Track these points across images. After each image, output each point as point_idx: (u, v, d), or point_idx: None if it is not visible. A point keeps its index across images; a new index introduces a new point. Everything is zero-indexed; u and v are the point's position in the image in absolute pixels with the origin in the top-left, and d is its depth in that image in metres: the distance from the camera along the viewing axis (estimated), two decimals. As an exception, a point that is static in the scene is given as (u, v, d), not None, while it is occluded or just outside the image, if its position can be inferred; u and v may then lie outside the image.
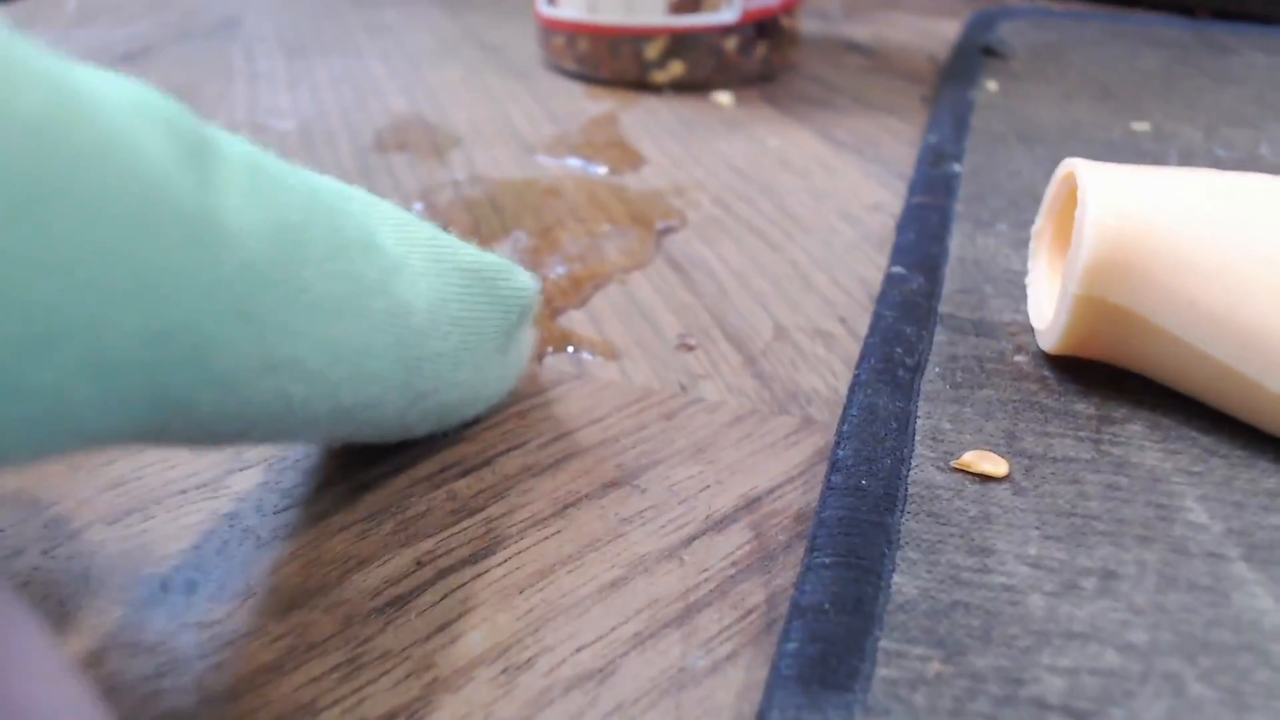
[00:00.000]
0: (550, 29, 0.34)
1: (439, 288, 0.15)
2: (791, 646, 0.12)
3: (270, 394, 0.11)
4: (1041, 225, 0.19)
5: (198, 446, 0.12)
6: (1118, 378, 0.17)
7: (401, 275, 0.14)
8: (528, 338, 0.18)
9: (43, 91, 0.08)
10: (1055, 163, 0.26)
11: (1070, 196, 0.18)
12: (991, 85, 0.31)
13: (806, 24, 0.41)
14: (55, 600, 0.13)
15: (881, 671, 0.12)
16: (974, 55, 0.34)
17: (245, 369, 0.11)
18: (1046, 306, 0.18)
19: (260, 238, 0.11)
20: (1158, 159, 0.26)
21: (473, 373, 0.16)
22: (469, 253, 0.16)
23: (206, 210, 0.10)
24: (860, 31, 0.40)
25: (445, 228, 0.17)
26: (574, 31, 0.33)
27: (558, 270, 0.22)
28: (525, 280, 0.17)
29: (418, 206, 0.25)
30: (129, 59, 0.35)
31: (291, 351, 0.11)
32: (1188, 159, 0.26)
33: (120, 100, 0.10)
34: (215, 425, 0.11)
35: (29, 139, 0.08)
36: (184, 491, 0.15)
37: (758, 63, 0.34)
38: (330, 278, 0.12)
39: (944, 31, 0.40)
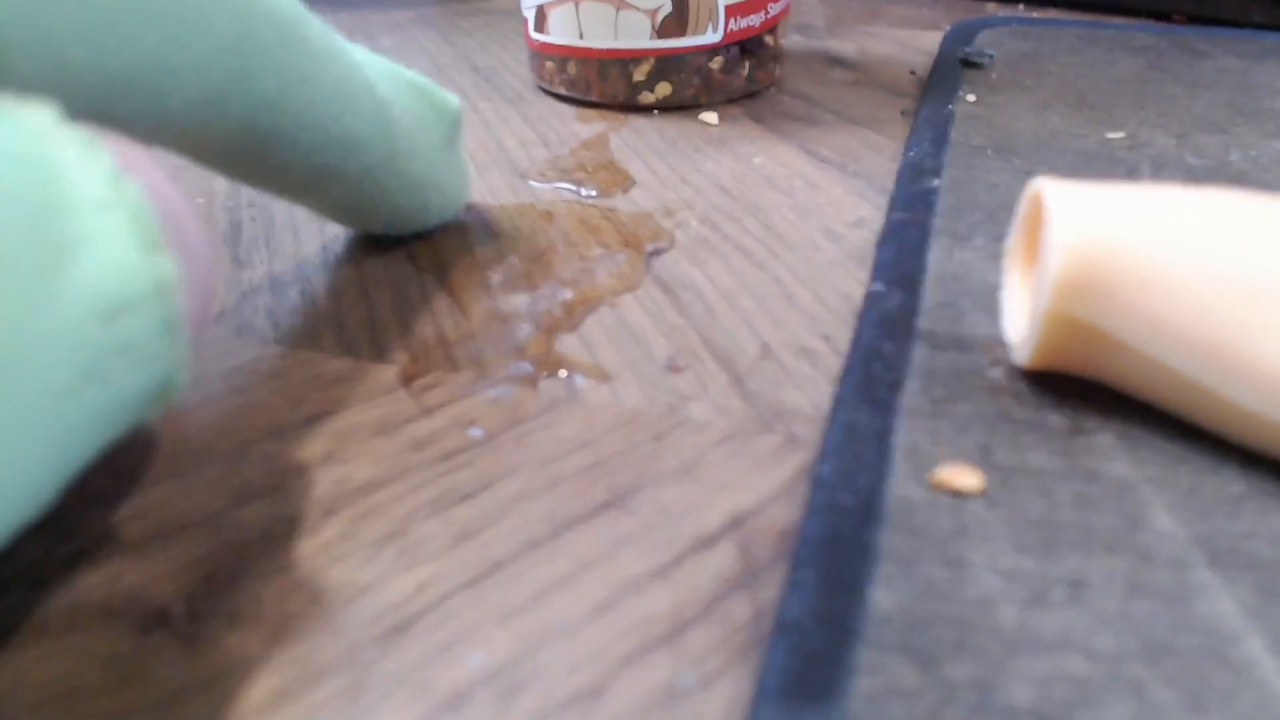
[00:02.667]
0: (541, 53, 0.35)
1: (393, 84, 0.21)
2: (775, 663, 0.13)
3: (303, 102, 0.18)
4: (1014, 242, 0.19)
5: (272, 171, 0.19)
6: (1089, 390, 0.18)
7: (370, 68, 0.21)
8: (464, 157, 0.25)
9: None
10: (1031, 175, 0.26)
11: (1039, 214, 0.19)
12: (970, 97, 0.32)
13: (790, 40, 0.41)
14: (76, 631, 0.14)
15: (860, 683, 0.12)
16: (953, 67, 0.35)
17: (288, 75, 0.18)
18: (1020, 321, 0.19)
19: (281, 3, 0.18)
20: (1131, 168, 0.26)
21: (427, 154, 0.22)
22: (408, 71, 0.23)
23: None
24: (843, 46, 0.41)
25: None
26: (564, 55, 0.34)
27: (553, 295, 0.23)
28: (451, 97, 0.24)
29: (414, 235, 0.26)
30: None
31: (313, 73, 0.18)
32: (1160, 167, 0.26)
33: None
34: (277, 118, 0.18)
35: None
36: (195, 523, 0.16)
37: (743, 81, 0.34)
38: (324, 42, 0.19)
39: (926, 44, 0.41)
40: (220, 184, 0.29)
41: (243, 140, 0.18)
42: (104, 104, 0.15)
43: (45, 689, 0.13)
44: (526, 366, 0.20)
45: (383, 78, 0.21)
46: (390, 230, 0.24)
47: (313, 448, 0.18)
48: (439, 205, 0.24)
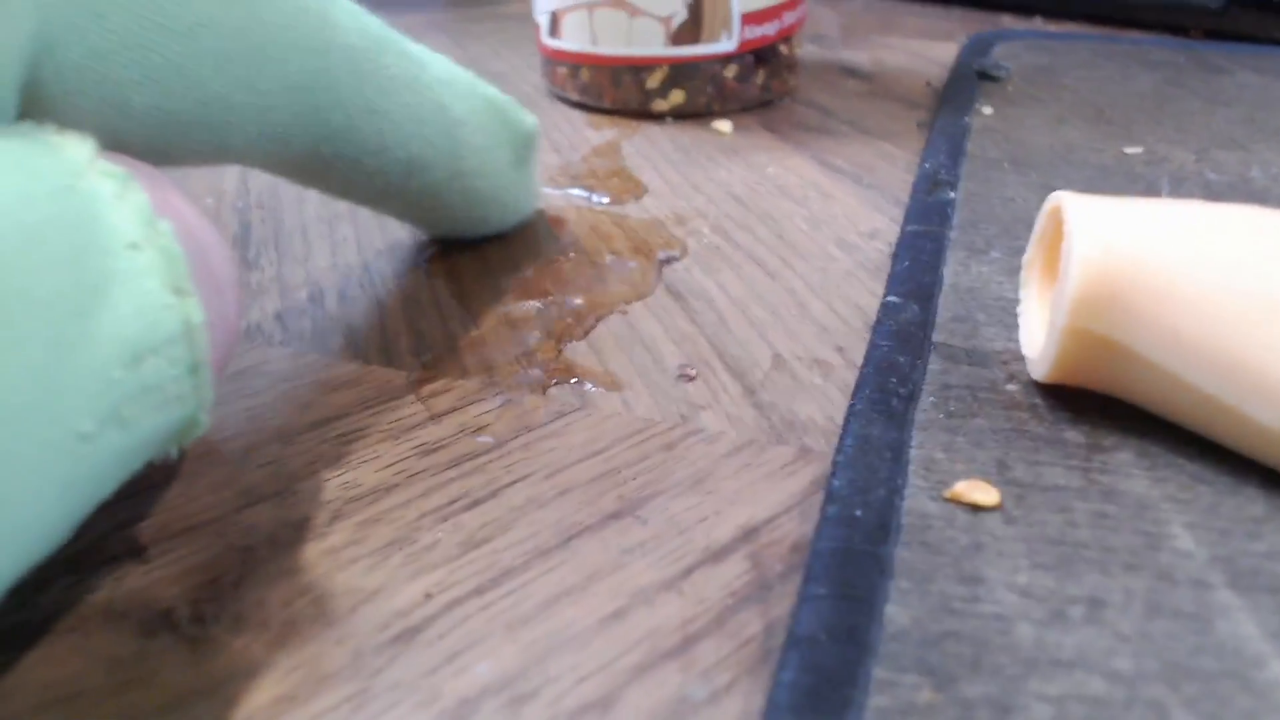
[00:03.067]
0: (553, 59, 0.35)
1: (469, 103, 0.21)
2: (787, 677, 0.12)
3: (371, 130, 0.19)
4: (1031, 255, 0.19)
5: (333, 186, 0.20)
6: (1107, 405, 0.17)
7: (444, 87, 0.21)
8: (534, 173, 0.25)
9: None
10: (1048, 188, 0.26)
11: (1058, 228, 0.18)
12: (986, 109, 0.32)
13: (805, 49, 0.41)
14: (80, 633, 0.14)
15: (874, 700, 0.12)
16: (969, 79, 0.34)
17: (357, 106, 0.18)
18: (1037, 335, 0.18)
19: (357, 34, 0.18)
20: (1150, 183, 0.26)
21: (494, 172, 0.22)
22: (489, 87, 0.23)
23: (326, 12, 0.17)
24: (858, 56, 0.41)
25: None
26: (577, 62, 0.34)
27: (563, 302, 0.22)
28: (528, 116, 0.24)
29: (424, 238, 0.26)
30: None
31: (381, 104, 0.19)
32: (1179, 183, 0.26)
33: None
34: (342, 146, 0.18)
35: None
36: (200, 526, 0.16)
37: (756, 89, 0.34)
38: (399, 68, 0.19)
39: (941, 55, 0.40)
40: (230, 185, 0.29)
41: (304, 163, 0.18)
42: (161, 141, 0.15)
43: (48, 691, 0.13)
44: (536, 373, 0.20)
45: (460, 97, 0.21)
46: (447, 236, 0.25)
47: (320, 452, 0.18)
48: (499, 219, 0.24)
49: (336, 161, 0.19)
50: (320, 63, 0.17)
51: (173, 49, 0.14)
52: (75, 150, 0.13)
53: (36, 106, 0.13)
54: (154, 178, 0.14)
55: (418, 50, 0.20)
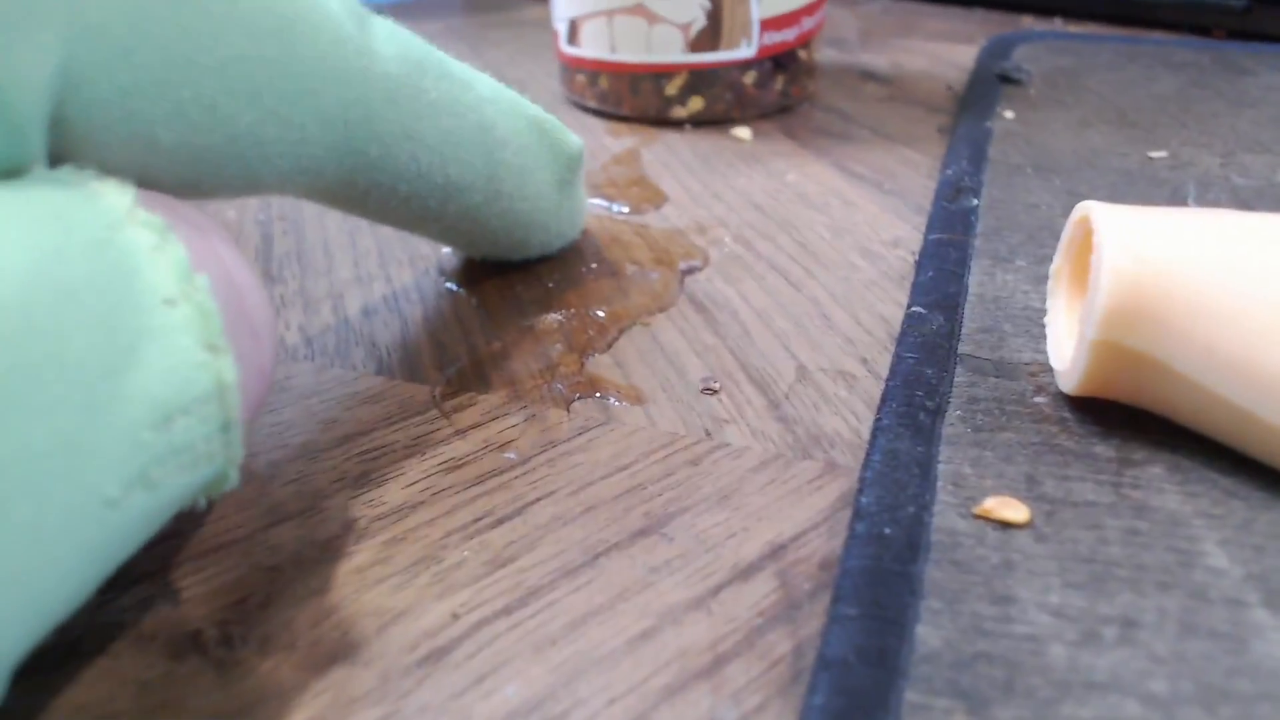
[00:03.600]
0: (572, 67, 0.35)
1: (512, 123, 0.21)
2: (817, 701, 0.12)
3: (408, 156, 0.18)
4: (1059, 265, 0.19)
5: (368, 211, 0.19)
6: (1138, 418, 0.17)
7: (488, 106, 0.20)
8: (581, 193, 0.24)
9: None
10: (1073, 194, 0.26)
11: (1087, 237, 0.18)
12: (1008, 114, 0.31)
13: (824, 53, 0.41)
14: (108, 656, 0.14)
15: (906, 725, 0.12)
16: (990, 83, 0.34)
17: (394, 134, 0.18)
18: (1066, 347, 0.18)
19: (396, 60, 0.18)
20: (1175, 188, 0.26)
21: (536, 195, 0.22)
22: (534, 107, 0.22)
23: (364, 40, 0.17)
24: (877, 60, 0.40)
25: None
26: (595, 69, 0.34)
27: (585, 314, 0.22)
28: (573, 138, 0.23)
29: (445, 250, 0.26)
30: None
31: (419, 129, 0.18)
32: (1205, 188, 0.26)
33: None
34: (377, 174, 0.18)
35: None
36: (225, 546, 0.16)
37: (776, 95, 0.34)
38: (440, 90, 0.19)
39: (961, 58, 0.40)
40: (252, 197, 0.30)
41: (338, 191, 0.18)
42: (192, 176, 0.15)
43: (78, 715, 0.13)
44: (560, 387, 0.20)
45: (504, 115, 0.20)
46: (488, 258, 0.24)
47: (345, 469, 0.18)
48: (541, 242, 0.24)
49: (372, 189, 0.18)
50: (356, 94, 0.17)
51: (203, 85, 0.14)
52: (114, 199, 0.12)
53: (65, 143, 0.13)
54: (193, 220, 0.14)
55: (460, 69, 0.20)
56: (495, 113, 0.20)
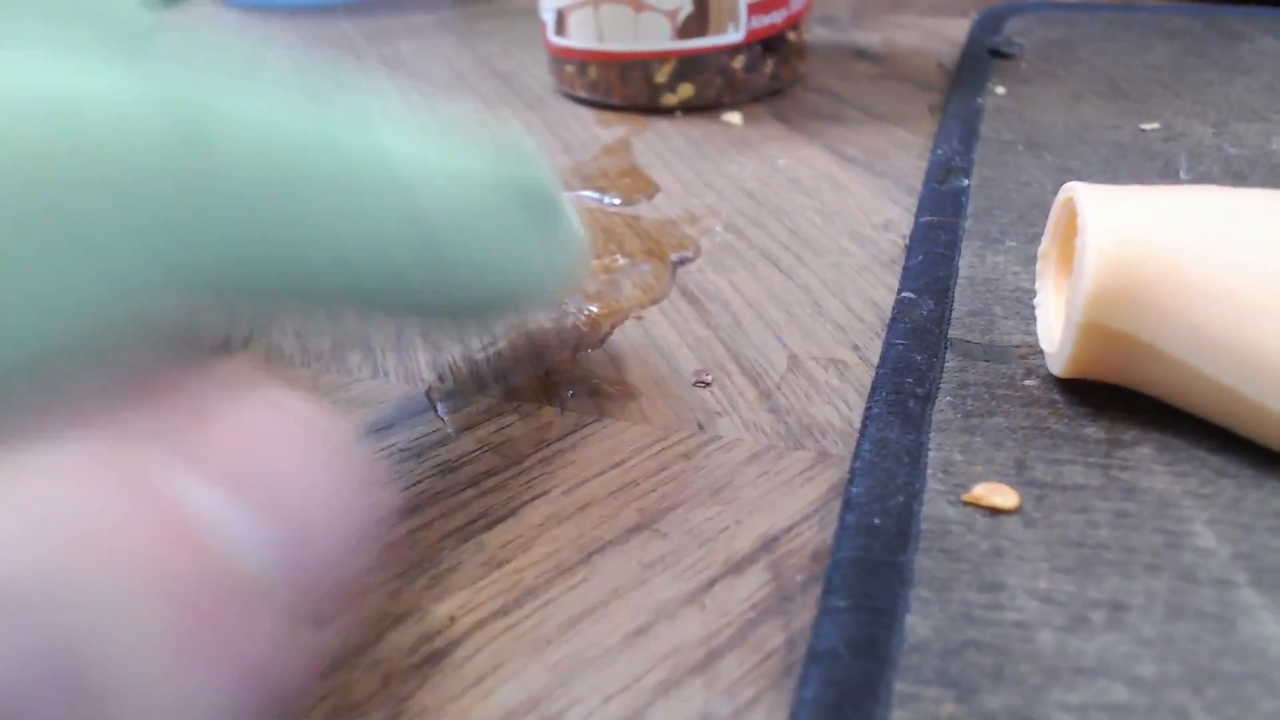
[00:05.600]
0: (561, 57, 0.35)
1: (446, 191, 0.15)
2: (809, 693, 0.12)
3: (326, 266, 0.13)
4: (1047, 247, 0.19)
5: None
6: (1128, 399, 0.17)
7: (412, 166, 0.15)
8: (571, 225, 0.18)
9: None
10: (1064, 170, 0.26)
11: (1073, 219, 0.18)
12: (1000, 89, 0.31)
13: (814, 32, 0.41)
14: (114, 670, 0.14)
15: (896, 715, 0.12)
16: (982, 58, 0.34)
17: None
18: (1055, 328, 0.18)
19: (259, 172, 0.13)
20: (1167, 160, 0.26)
21: (498, 251, 0.16)
22: (473, 157, 0.16)
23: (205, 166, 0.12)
24: (868, 37, 0.40)
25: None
26: (584, 59, 0.34)
27: (578, 309, 0.22)
28: (537, 172, 0.17)
29: (438, 249, 0.26)
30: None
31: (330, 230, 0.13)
32: (1198, 159, 0.26)
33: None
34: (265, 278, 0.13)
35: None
36: (228, 555, 0.16)
37: (766, 79, 0.34)
38: (346, 171, 0.14)
39: (953, 32, 0.40)
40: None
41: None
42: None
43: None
44: (553, 385, 0.20)
45: (434, 177, 0.15)
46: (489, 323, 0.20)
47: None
48: (528, 284, 0.18)
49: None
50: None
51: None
52: None
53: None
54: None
55: (364, 141, 0.15)
56: (425, 172, 0.15)
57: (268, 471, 0.10)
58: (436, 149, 0.16)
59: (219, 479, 0.10)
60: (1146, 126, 0.28)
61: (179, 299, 0.12)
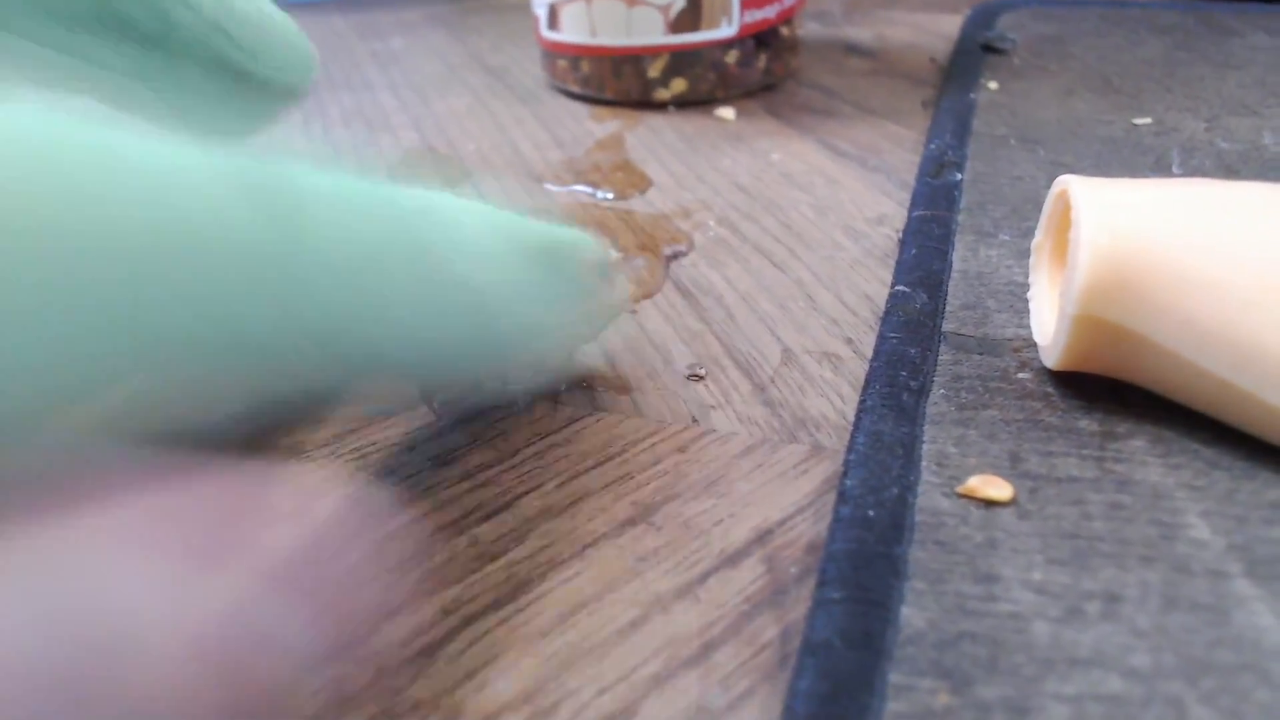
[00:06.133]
0: (553, 52, 0.35)
1: (500, 274, 0.16)
2: (803, 685, 0.12)
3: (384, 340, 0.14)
4: (1041, 240, 0.19)
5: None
6: (1121, 391, 0.17)
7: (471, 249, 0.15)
8: (611, 282, 0.19)
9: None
10: (1057, 165, 0.26)
11: (1067, 211, 0.18)
12: (992, 84, 0.31)
13: (807, 28, 0.41)
14: (104, 665, 0.14)
15: (891, 706, 0.12)
16: (974, 53, 0.34)
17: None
18: (1048, 321, 0.18)
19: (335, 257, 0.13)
20: (1159, 155, 0.26)
21: (550, 314, 0.17)
22: (536, 229, 0.17)
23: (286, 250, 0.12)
24: (861, 33, 0.40)
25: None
26: (576, 54, 0.34)
27: (569, 304, 0.22)
28: (589, 245, 0.18)
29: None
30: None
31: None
32: (1189, 154, 0.26)
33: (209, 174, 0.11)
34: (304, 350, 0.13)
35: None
36: (219, 549, 0.16)
37: (759, 73, 0.34)
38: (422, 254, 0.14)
39: (945, 28, 0.40)
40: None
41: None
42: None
43: None
44: (547, 379, 0.20)
45: (492, 254, 0.16)
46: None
47: (336, 467, 0.18)
48: (568, 337, 0.19)
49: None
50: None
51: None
52: None
53: None
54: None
55: (430, 222, 0.15)
56: (479, 250, 0.15)
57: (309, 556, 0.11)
58: (494, 223, 0.16)
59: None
60: (1139, 121, 0.28)
61: (245, 374, 0.12)
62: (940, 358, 0.19)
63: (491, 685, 0.14)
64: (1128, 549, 0.14)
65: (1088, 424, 0.17)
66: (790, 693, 0.12)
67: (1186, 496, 0.15)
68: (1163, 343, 0.16)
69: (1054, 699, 0.12)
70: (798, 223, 0.25)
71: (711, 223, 0.26)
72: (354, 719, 0.13)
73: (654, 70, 0.33)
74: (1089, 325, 0.16)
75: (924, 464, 0.16)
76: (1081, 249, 0.16)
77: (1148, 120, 0.28)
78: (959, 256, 0.22)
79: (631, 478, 0.17)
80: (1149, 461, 0.16)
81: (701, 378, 0.20)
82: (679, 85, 0.33)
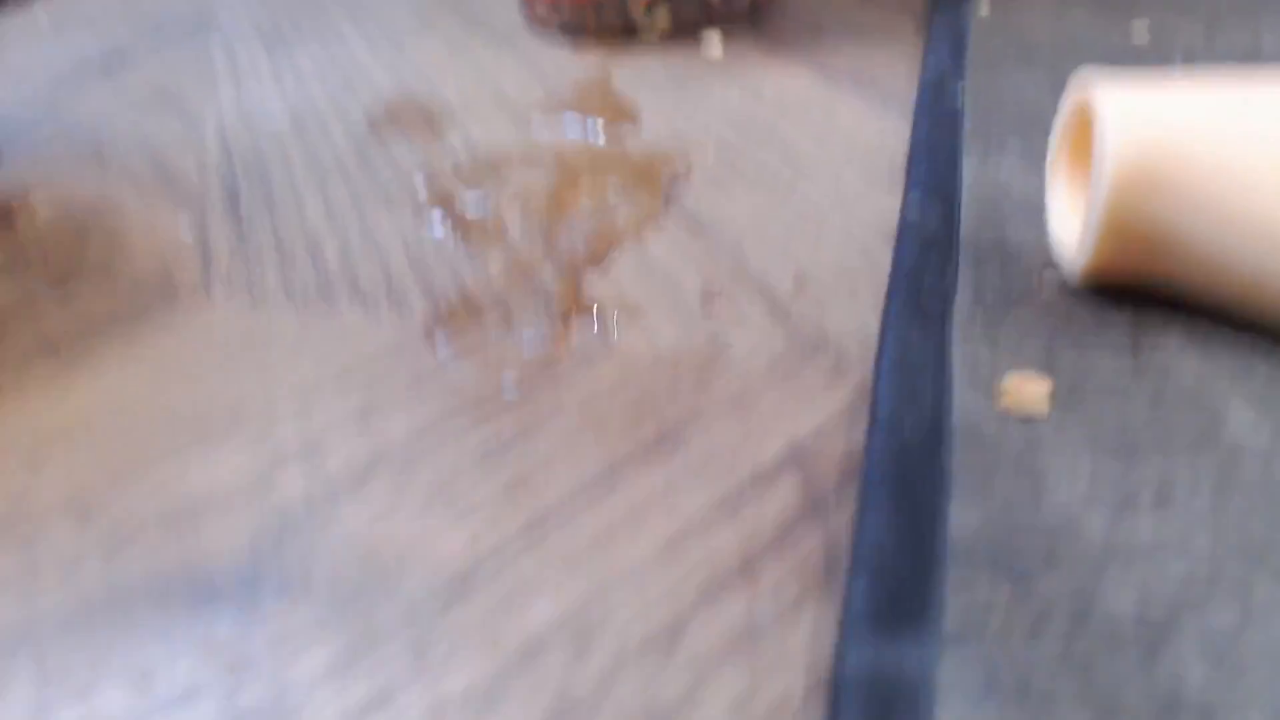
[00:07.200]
0: (530, -7, 0.34)
1: None
2: (859, 587, 0.12)
3: None
4: (1057, 147, 0.19)
5: None
6: (1146, 296, 0.17)
7: None
8: None
9: None
10: (1057, 81, 0.25)
11: (1085, 118, 0.18)
12: (983, 9, 0.31)
13: (786, -37, 0.40)
14: (120, 611, 0.13)
15: (951, 603, 0.12)
16: (961, -22, 0.33)
17: None
18: (1070, 231, 0.18)
19: None
20: (1160, 65, 0.25)
21: None
22: None
23: None
24: (842, -35, 0.39)
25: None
26: (554, 2, 0.33)
27: (573, 236, 0.22)
28: None
29: (420, 186, 0.25)
30: (107, 72, 0.35)
31: None
32: (1190, 61, 0.25)
33: None
34: None
35: None
36: (230, 492, 0.15)
37: (745, 3, 0.33)
38: None
39: (926, -43, 0.39)
40: (212, 150, 0.28)
41: None
42: None
43: (92, 671, 0.13)
44: (554, 310, 0.19)
45: None
46: None
47: (344, 405, 0.17)
48: None
49: None
50: None
51: None
52: None
53: None
54: None
55: None
56: None
57: None
58: None
59: None
60: (1136, 33, 0.27)
61: None
62: (960, 269, 0.18)
63: (529, 612, 0.13)
64: (1174, 438, 0.14)
65: (1118, 323, 0.16)
66: (846, 596, 0.12)
67: (1227, 386, 0.15)
68: (1194, 244, 0.15)
69: (1119, 586, 0.12)
70: (798, 148, 0.25)
71: (710, 152, 0.25)
72: (386, 653, 0.13)
73: (636, 6, 0.32)
74: (1117, 229, 0.16)
75: (955, 370, 0.16)
76: (1107, 150, 0.16)
77: (1145, 32, 0.28)
78: (969, 173, 0.21)
79: (653, 401, 0.17)
80: (1185, 355, 0.15)
81: (715, 302, 0.19)
82: (663, 20, 0.32)
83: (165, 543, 0.14)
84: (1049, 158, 0.19)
